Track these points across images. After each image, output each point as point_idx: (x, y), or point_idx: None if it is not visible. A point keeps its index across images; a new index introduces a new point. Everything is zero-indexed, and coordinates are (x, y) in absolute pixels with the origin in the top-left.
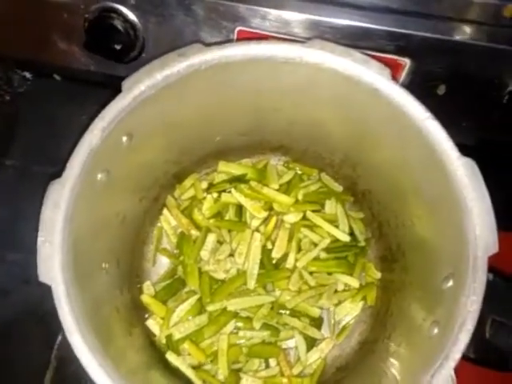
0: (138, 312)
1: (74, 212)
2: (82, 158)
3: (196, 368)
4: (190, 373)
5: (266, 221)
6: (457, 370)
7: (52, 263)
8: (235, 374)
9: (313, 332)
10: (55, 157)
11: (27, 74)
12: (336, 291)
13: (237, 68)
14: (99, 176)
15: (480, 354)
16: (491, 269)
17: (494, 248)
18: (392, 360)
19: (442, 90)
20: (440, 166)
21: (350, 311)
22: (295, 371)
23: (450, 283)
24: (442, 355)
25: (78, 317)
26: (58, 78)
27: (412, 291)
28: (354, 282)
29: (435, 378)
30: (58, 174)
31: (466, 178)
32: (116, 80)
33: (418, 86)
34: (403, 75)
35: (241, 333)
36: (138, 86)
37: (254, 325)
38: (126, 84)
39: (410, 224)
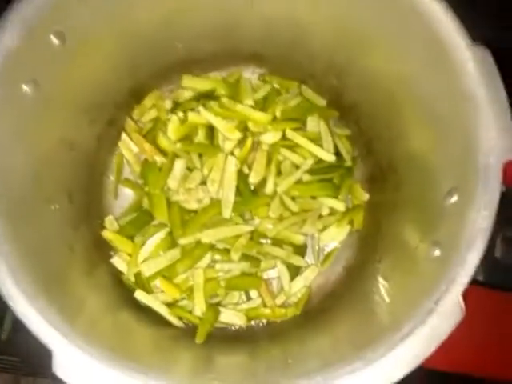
0: (101, 250)
1: None
2: None
3: (170, 305)
4: (163, 310)
5: (240, 143)
6: (465, 295)
7: None
8: (214, 308)
9: (296, 260)
10: None
11: None
12: (320, 216)
13: None
14: (24, 88)
15: (489, 275)
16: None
17: (509, 153)
18: (385, 285)
19: None
20: (445, 59)
21: (336, 236)
22: (278, 301)
23: (455, 198)
24: (446, 279)
25: (13, 266)
26: None
27: (406, 211)
28: (340, 206)
29: (440, 304)
30: None
31: (477, 71)
32: None
33: None
34: None
35: (218, 265)
36: None
37: (232, 256)
38: None
39: (406, 135)
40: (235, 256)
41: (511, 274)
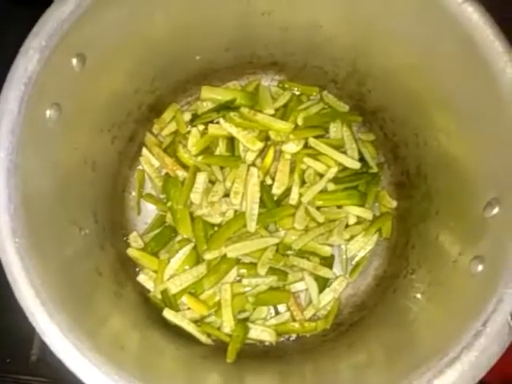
0: (127, 268)
1: (18, 162)
2: (17, 89)
3: (198, 322)
4: (191, 328)
5: (262, 153)
6: None
7: None
8: (242, 324)
9: (324, 272)
10: None
11: None
12: (347, 225)
13: None
14: (48, 113)
15: None
16: None
17: None
18: (421, 300)
19: None
20: (483, 64)
21: (364, 246)
22: (307, 315)
23: (496, 210)
24: (493, 297)
25: (40, 292)
26: None
27: (440, 221)
28: (367, 214)
29: (489, 325)
30: None
31: None
32: None
33: None
34: None
35: (245, 280)
36: None
37: (259, 271)
38: None
39: (436, 142)
40: (262, 271)
41: None
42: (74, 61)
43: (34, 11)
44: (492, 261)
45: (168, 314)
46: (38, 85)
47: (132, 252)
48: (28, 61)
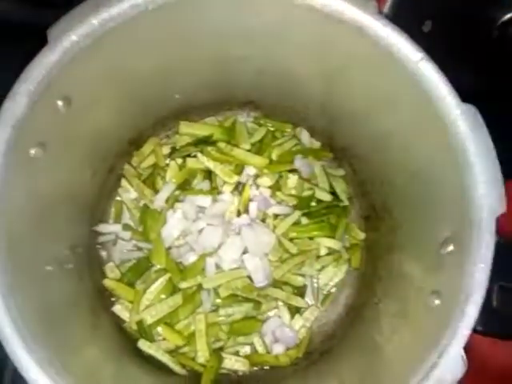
0: (103, 298)
1: (1, 199)
2: (4, 132)
3: (173, 352)
4: (166, 359)
5: (238, 185)
6: (465, 346)
7: None
8: (217, 355)
9: (297, 301)
10: None
11: None
12: (318, 256)
13: (193, 8)
14: (32, 152)
15: (488, 324)
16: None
17: (501, 207)
18: (386, 330)
19: (428, 26)
20: (436, 116)
21: (334, 276)
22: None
23: (451, 248)
24: (447, 331)
25: (20, 330)
26: None
27: (403, 254)
28: (337, 245)
29: (443, 358)
30: None
31: (467, 128)
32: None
33: (403, 22)
34: (386, 8)
35: (221, 310)
36: (68, 36)
37: (220, 292)
38: (52, 33)
39: (399, 182)
40: (223, 293)
41: (508, 322)
42: (60, 103)
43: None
44: (447, 296)
45: (143, 345)
46: (24, 127)
47: (108, 283)
48: (15, 105)
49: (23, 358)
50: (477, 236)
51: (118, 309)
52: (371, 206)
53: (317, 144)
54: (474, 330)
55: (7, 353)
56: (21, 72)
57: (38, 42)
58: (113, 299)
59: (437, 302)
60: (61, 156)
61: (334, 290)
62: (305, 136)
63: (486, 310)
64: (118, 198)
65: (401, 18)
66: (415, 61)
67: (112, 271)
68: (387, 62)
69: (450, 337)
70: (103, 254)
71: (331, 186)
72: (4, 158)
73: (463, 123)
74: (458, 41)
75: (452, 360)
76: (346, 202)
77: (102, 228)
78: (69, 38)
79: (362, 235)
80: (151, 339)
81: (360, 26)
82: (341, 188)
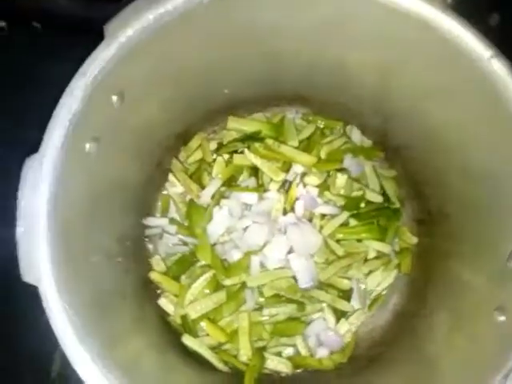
0: (149, 290)
1: (59, 193)
2: (61, 126)
3: (215, 348)
4: (209, 355)
5: (285, 183)
6: None
7: (36, 259)
8: (260, 354)
9: (342, 305)
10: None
11: (1, 23)
12: (366, 260)
13: (247, 2)
14: (87, 146)
15: None
16: None
17: None
18: (441, 344)
19: (495, 19)
20: (506, 117)
21: (383, 280)
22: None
23: None
24: None
25: (73, 321)
26: (37, 25)
27: (462, 263)
28: (387, 248)
29: (510, 380)
30: (35, 146)
31: None
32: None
33: (467, 14)
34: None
35: (265, 310)
36: (125, 31)
37: (264, 291)
38: (109, 29)
39: (457, 184)
40: (267, 293)
41: None
42: (114, 98)
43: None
44: None
45: (187, 339)
46: (80, 122)
47: (154, 275)
48: (72, 100)
49: (74, 348)
50: None
51: (163, 302)
52: (425, 210)
53: (368, 142)
54: None
55: (59, 341)
56: (78, 67)
57: (94, 37)
58: (158, 292)
59: (501, 318)
60: (113, 150)
61: (382, 294)
62: (356, 134)
63: None
64: (165, 193)
65: (465, 10)
66: (485, 58)
67: (158, 264)
68: (453, 58)
69: None
70: (150, 247)
71: (382, 187)
72: (61, 153)
73: None
74: None
75: None
76: (398, 205)
77: (149, 221)
78: (125, 33)
79: (414, 239)
80: (195, 334)
81: (426, 21)
82: (392, 189)
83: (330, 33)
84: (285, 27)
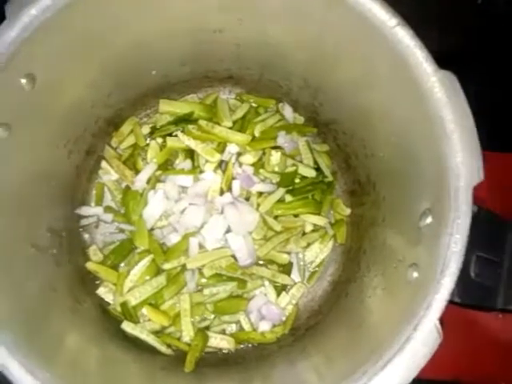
0: (86, 282)
1: None
2: None
3: (159, 333)
4: (151, 340)
5: (221, 163)
6: (442, 317)
7: None
8: (202, 333)
9: (282, 278)
10: None
11: None
12: (304, 233)
13: None
14: None
15: (465, 295)
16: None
17: (478, 177)
18: (368, 303)
19: None
20: (413, 83)
21: (320, 252)
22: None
23: (429, 220)
24: (424, 303)
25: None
26: None
27: (385, 228)
28: (323, 221)
29: (418, 330)
30: None
31: (444, 95)
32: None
33: None
34: None
35: (205, 290)
36: (28, 10)
37: (205, 272)
38: (9, 8)
39: (381, 153)
40: (207, 273)
41: (486, 293)
42: (24, 81)
43: None
44: (424, 269)
45: (127, 326)
46: None
47: (91, 265)
48: None
49: (10, 365)
50: (453, 206)
51: (102, 291)
52: (356, 181)
53: (300, 119)
54: (452, 302)
55: None
56: None
57: None
58: (97, 282)
59: (415, 274)
60: (30, 136)
61: (320, 266)
62: (288, 111)
63: (464, 281)
64: (100, 181)
65: None
66: (390, 26)
67: (95, 254)
68: (362, 29)
69: (425, 308)
70: (86, 237)
71: (315, 162)
72: None
73: (440, 90)
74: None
75: (427, 332)
76: (331, 178)
77: (83, 211)
78: (28, 13)
79: (347, 210)
80: (136, 321)
81: None
82: (325, 163)
83: (248, 11)
84: (205, 3)
